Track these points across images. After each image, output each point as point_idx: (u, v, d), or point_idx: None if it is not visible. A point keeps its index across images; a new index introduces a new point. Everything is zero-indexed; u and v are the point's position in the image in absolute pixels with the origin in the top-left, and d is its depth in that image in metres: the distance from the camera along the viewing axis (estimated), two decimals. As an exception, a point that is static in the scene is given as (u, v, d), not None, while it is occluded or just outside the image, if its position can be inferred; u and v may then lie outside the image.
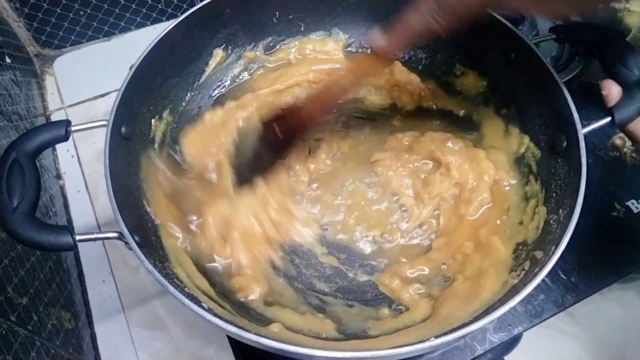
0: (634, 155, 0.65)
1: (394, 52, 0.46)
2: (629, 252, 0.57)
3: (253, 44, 0.64)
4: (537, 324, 0.53)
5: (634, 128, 0.46)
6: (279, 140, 0.52)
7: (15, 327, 0.40)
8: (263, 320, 0.45)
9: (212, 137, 0.57)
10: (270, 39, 0.64)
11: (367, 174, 0.58)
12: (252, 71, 0.64)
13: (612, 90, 0.46)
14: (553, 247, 0.40)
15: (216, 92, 0.63)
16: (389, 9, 0.60)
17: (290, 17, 0.64)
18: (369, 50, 0.55)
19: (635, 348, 0.67)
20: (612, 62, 0.47)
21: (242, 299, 0.47)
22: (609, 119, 0.45)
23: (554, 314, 0.53)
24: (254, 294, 0.47)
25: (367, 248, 0.53)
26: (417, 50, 0.64)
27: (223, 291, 0.47)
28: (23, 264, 0.46)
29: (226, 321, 0.36)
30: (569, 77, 0.69)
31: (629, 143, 0.65)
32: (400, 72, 0.61)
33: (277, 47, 0.65)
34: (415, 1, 0.40)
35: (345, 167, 0.58)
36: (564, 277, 0.55)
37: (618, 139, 0.66)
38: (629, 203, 0.60)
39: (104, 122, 0.45)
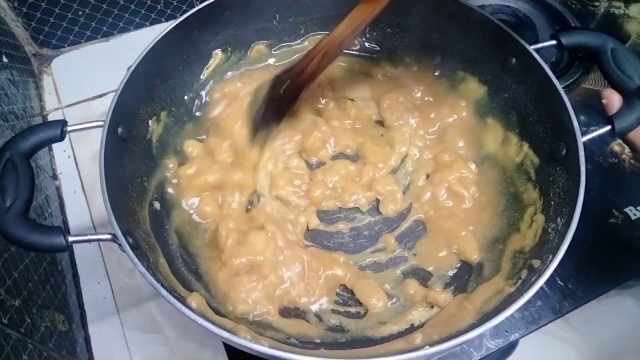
0: (632, 162, 0.64)
1: None
2: (626, 259, 0.57)
3: (253, 45, 0.64)
4: (534, 330, 0.52)
5: (634, 137, 0.45)
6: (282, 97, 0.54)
7: (7, 330, 0.40)
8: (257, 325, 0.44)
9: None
10: (270, 40, 0.64)
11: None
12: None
13: (612, 99, 0.46)
14: (551, 256, 0.40)
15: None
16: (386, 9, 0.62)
17: (290, 19, 0.63)
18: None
19: (632, 355, 0.67)
20: (612, 70, 0.46)
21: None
22: (609, 127, 0.45)
23: (551, 321, 0.53)
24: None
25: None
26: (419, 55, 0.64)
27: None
28: (17, 265, 0.46)
29: (218, 326, 0.36)
30: (569, 82, 0.69)
31: (627, 150, 0.65)
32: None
33: (278, 48, 0.65)
34: None
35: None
36: (562, 283, 0.55)
37: (617, 146, 0.66)
38: (627, 210, 0.60)
39: (100, 123, 0.45)
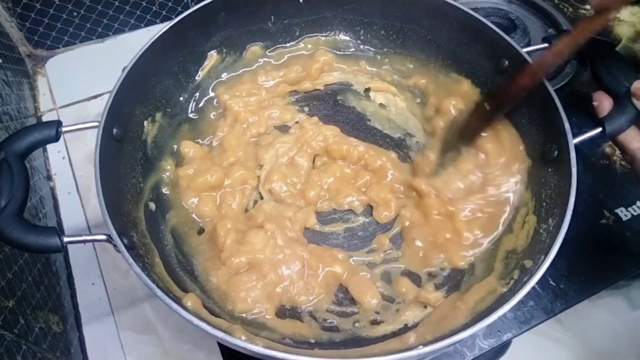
0: (623, 163, 0.65)
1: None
2: (617, 260, 0.58)
3: (248, 47, 0.64)
4: (527, 330, 0.53)
5: (624, 139, 0.46)
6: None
7: (1, 331, 0.40)
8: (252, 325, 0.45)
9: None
10: (266, 42, 0.64)
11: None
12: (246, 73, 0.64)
13: (603, 102, 0.46)
14: (542, 256, 0.40)
15: (211, 94, 0.63)
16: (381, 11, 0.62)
17: (285, 21, 0.64)
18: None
19: (624, 355, 0.68)
20: (602, 73, 0.47)
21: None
22: (600, 129, 0.45)
23: (543, 321, 0.53)
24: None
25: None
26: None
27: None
28: (10, 266, 0.46)
29: (213, 326, 0.36)
30: (560, 85, 0.69)
31: (618, 151, 0.65)
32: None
33: (274, 49, 0.65)
34: None
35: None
36: (554, 283, 0.55)
37: (608, 147, 0.66)
38: (618, 211, 0.61)
39: (95, 124, 0.45)
